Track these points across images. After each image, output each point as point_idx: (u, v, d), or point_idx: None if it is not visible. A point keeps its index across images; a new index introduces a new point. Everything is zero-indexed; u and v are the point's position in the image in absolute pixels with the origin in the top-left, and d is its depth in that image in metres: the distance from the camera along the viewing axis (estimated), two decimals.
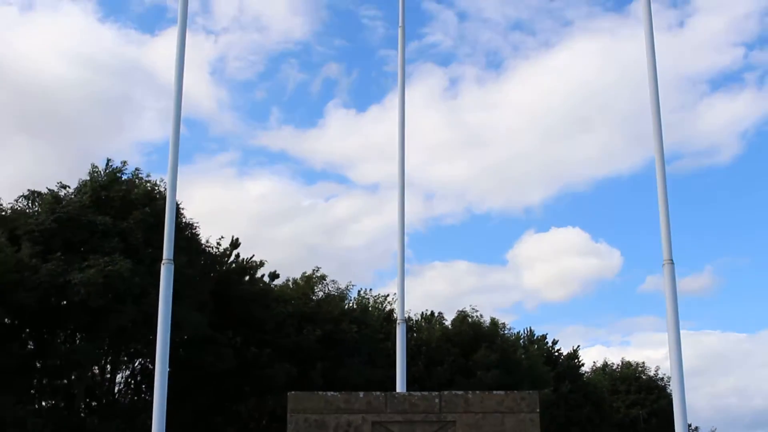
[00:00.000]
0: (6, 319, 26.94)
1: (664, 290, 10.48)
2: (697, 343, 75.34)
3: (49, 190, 29.27)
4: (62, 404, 29.26)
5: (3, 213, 28.62)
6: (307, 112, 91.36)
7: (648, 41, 11.91)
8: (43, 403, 29.26)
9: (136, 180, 30.32)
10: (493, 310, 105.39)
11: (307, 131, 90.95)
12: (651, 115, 11.61)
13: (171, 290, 10.91)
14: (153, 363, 29.46)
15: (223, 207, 62.82)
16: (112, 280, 26.05)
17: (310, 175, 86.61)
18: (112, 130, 71.09)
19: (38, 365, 28.50)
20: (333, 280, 36.12)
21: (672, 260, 10.59)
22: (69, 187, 29.59)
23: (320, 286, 35.62)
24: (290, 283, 35.42)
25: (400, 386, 13.60)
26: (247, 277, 32.85)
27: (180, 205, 29.11)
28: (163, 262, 11.18)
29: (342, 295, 36.27)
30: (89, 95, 68.79)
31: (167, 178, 12.15)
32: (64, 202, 28.54)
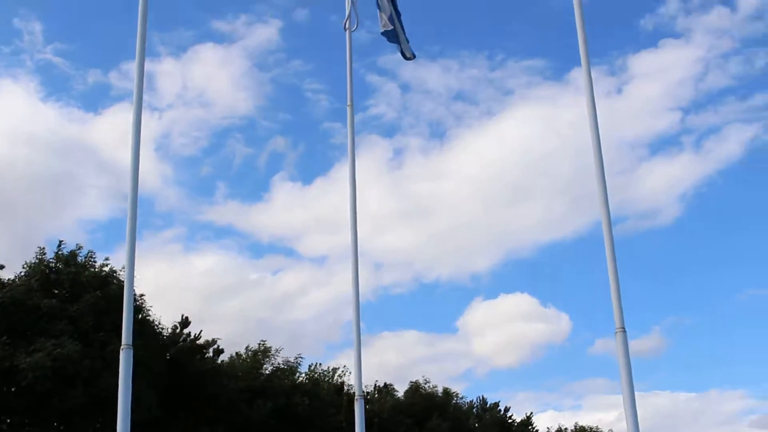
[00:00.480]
0: None
1: (617, 358, 10.39)
2: (648, 405, 76.20)
3: None
4: None
5: None
6: (252, 186, 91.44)
7: (590, 107, 11.95)
8: None
9: (87, 263, 29.77)
10: (444, 379, 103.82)
11: (254, 205, 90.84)
12: (597, 187, 11.58)
13: (130, 375, 10.94)
14: None
15: (170, 283, 62.01)
16: (61, 363, 25.64)
17: (257, 248, 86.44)
18: (55, 208, 70.17)
19: None
20: (278, 351, 35.75)
21: (624, 328, 10.52)
22: (3, 266, 28.81)
23: (268, 359, 35.30)
24: (238, 358, 35.01)
25: None
26: (198, 356, 32.39)
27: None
28: (122, 347, 11.16)
29: (292, 369, 36.05)
30: (30, 174, 67.71)
31: (125, 266, 12.21)
32: (7, 286, 27.90)
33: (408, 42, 17.04)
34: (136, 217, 12.22)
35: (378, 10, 16.96)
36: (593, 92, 12.04)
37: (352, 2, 16.75)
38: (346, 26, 16.74)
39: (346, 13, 16.76)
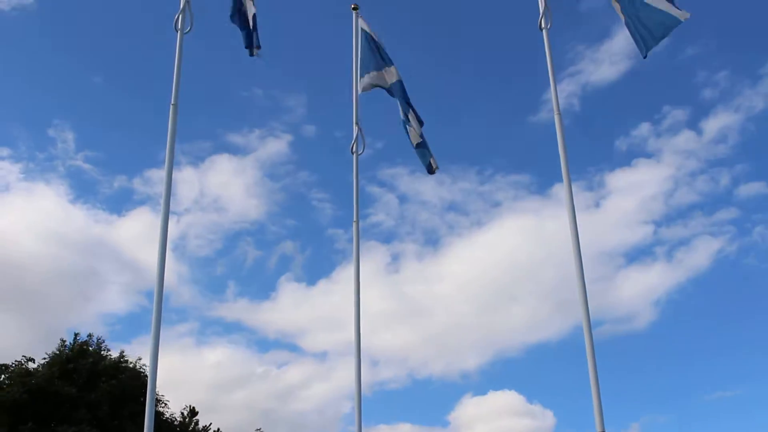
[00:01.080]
0: None
1: None
2: None
3: (17, 362, 30.48)
4: None
5: None
6: (261, 285, 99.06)
7: (571, 220, 12.40)
8: None
9: (103, 352, 31.74)
10: None
11: (262, 303, 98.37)
12: (578, 295, 11.81)
13: None
14: None
15: (182, 374, 67.13)
16: None
17: (263, 343, 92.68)
18: (78, 302, 76.78)
19: None
20: None
21: (604, 430, 10.59)
22: (34, 360, 30.81)
23: None
24: None
25: None
26: None
27: (145, 374, 30.73)
28: None
29: None
30: (57, 270, 74.78)
31: (149, 368, 12.16)
32: (34, 375, 29.70)
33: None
34: (159, 333, 11.94)
35: (407, 125, 16.98)
36: (574, 208, 12.62)
37: (360, 128, 16.88)
38: (353, 149, 16.76)
39: (353, 136, 16.89)
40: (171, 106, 12.79)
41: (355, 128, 16.66)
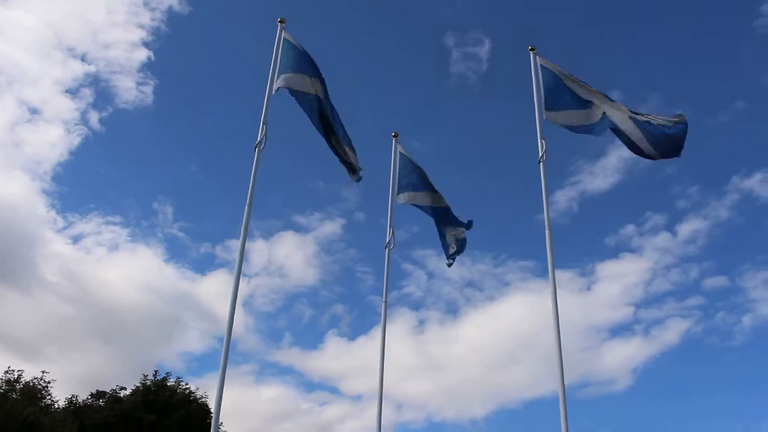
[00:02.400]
0: None
1: None
2: None
3: (111, 390, 35.67)
4: None
5: (78, 406, 34.60)
6: (311, 338, 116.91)
7: (553, 309, 13.01)
8: None
9: (178, 387, 36.71)
10: None
11: (310, 352, 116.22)
12: (556, 367, 12.41)
13: None
14: None
15: (242, 406, 77.69)
16: None
17: (309, 385, 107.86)
18: (165, 342, 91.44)
19: None
20: None
21: None
22: (126, 388, 36.01)
23: None
24: None
25: None
26: None
27: (208, 406, 35.81)
28: None
29: None
30: (151, 315, 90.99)
31: (215, 400, 12.38)
32: (122, 402, 34.72)
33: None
34: (223, 385, 12.19)
35: (446, 232, 17.69)
36: (556, 296, 13.29)
37: (392, 229, 17.35)
38: (387, 246, 17.27)
39: (387, 237, 17.45)
40: (246, 207, 13.30)
41: (389, 231, 17.21)
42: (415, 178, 17.90)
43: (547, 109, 15.14)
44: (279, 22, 15.07)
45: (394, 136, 18.46)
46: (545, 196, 14.24)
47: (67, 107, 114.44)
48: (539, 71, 15.58)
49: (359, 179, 16.06)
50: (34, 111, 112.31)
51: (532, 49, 16.04)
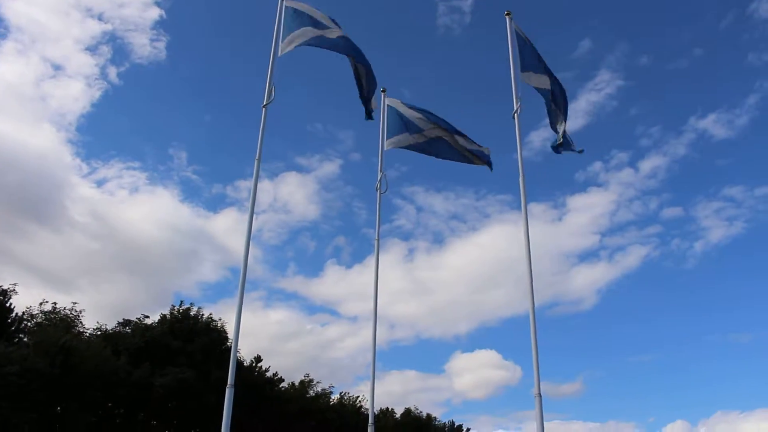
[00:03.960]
0: (109, 404, 34.51)
1: (535, 419, 10.78)
2: (568, 429, 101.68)
3: (137, 319, 37.54)
4: None
5: (109, 332, 36.46)
6: (312, 267, 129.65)
7: (525, 236, 13.39)
8: None
9: (199, 315, 38.59)
10: (431, 404, 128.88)
11: (312, 279, 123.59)
12: (526, 284, 12.79)
13: (231, 408, 11.39)
14: None
15: (253, 329, 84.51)
16: (182, 385, 34.12)
17: (311, 308, 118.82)
18: (183, 273, 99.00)
19: None
20: (318, 382, 45.02)
21: (540, 394, 10.89)
22: (149, 316, 37.90)
23: (311, 387, 44.20)
24: (292, 386, 43.75)
25: None
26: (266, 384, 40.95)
27: (227, 332, 37.77)
28: (227, 386, 11.51)
29: (326, 394, 44.91)
30: (169, 250, 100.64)
31: (232, 334, 13.29)
32: (150, 330, 36.57)
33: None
34: (240, 316, 12.52)
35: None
36: (528, 226, 13.63)
37: (384, 173, 17.38)
38: (377, 188, 17.29)
39: (378, 179, 17.38)
40: (255, 161, 13.82)
41: (379, 174, 17.32)
42: (401, 126, 18.27)
43: (522, 70, 15.96)
44: (382, 91, 16.70)
45: (382, 91, 18.79)
46: (519, 147, 14.97)
47: (87, 63, 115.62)
48: (514, 35, 16.56)
49: (370, 118, 16.83)
50: (57, 67, 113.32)
51: (507, 14, 16.63)
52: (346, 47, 15.97)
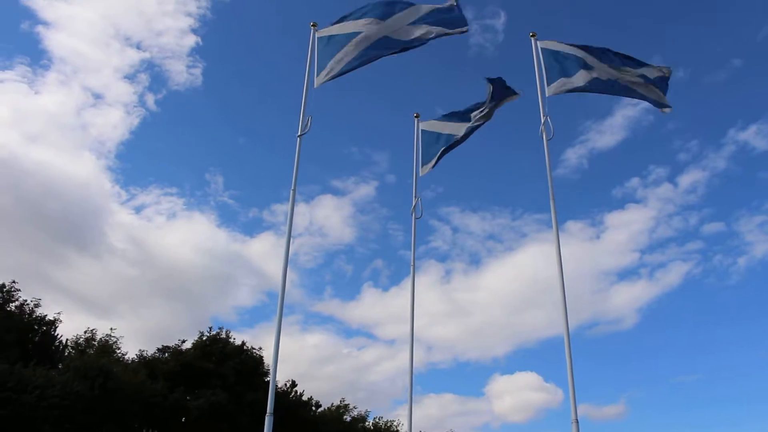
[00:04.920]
0: (145, 429, 34.40)
1: None
2: None
3: (175, 345, 37.74)
4: None
5: (147, 358, 36.66)
6: (349, 290, 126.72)
7: (557, 258, 12.89)
8: None
9: (231, 339, 38.65)
10: (469, 428, 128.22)
11: (349, 302, 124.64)
12: (560, 308, 12.29)
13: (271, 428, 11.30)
14: None
15: (290, 352, 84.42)
16: (215, 407, 34.16)
17: (348, 332, 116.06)
18: (220, 297, 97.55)
19: None
20: (355, 407, 44.63)
21: (578, 420, 10.58)
22: (186, 341, 38.02)
23: (348, 412, 43.80)
24: (329, 410, 43.34)
25: None
26: (302, 408, 40.67)
27: (263, 357, 37.65)
28: (267, 414, 11.39)
29: (362, 418, 44.43)
30: (207, 274, 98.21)
31: (271, 358, 12.47)
32: (185, 354, 36.70)
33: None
34: (279, 340, 12.42)
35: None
36: (560, 248, 13.16)
37: (419, 198, 17.46)
38: (413, 213, 17.40)
39: (413, 204, 17.55)
40: (291, 191, 13.76)
41: (414, 200, 17.46)
42: (435, 147, 18.06)
43: (549, 84, 15.53)
44: (312, 25, 15.70)
45: (415, 117, 18.91)
46: (549, 170, 14.50)
47: (126, 91, 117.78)
48: (540, 55, 16.28)
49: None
50: (97, 96, 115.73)
51: (533, 35, 16.34)
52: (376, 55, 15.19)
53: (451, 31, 15.21)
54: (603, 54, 16.03)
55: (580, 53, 15.91)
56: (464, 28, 15.40)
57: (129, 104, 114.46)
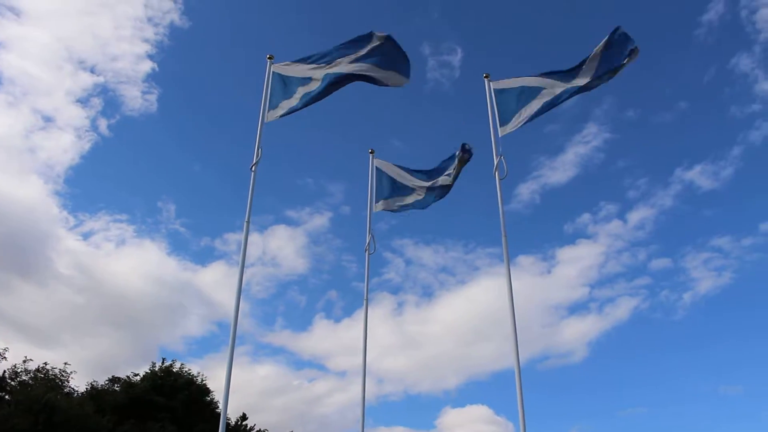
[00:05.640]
0: None
1: None
2: None
3: (126, 377, 36.66)
4: None
5: (97, 389, 35.40)
6: (300, 321, 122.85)
7: (508, 292, 12.67)
8: None
9: (181, 371, 37.75)
10: None
11: (300, 333, 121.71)
12: (511, 345, 12.02)
13: None
14: None
15: (239, 383, 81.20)
16: None
17: (299, 363, 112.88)
18: (168, 326, 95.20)
19: None
20: None
21: None
22: (138, 374, 36.99)
23: None
24: None
25: None
26: None
27: (209, 387, 36.88)
28: None
29: None
30: (156, 302, 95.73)
31: (222, 390, 12.08)
32: (135, 387, 35.66)
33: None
34: (231, 371, 12.08)
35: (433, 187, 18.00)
36: (511, 282, 12.92)
37: (372, 235, 17.53)
38: (366, 249, 17.45)
39: (366, 241, 17.51)
40: (245, 224, 13.51)
41: (368, 236, 17.40)
42: (389, 187, 18.34)
43: (501, 126, 15.65)
44: (268, 58, 15.63)
45: (370, 153, 19.08)
46: (501, 207, 14.40)
47: (78, 115, 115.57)
48: (493, 96, 16.50)
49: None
50: (47, 119, 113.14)
51: (486, 76, 16.46)
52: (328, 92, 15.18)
53: (386, 77, 14.94)
54: (555, 73, 15.76)
55: (534, 82, 15.86)
56: (403, 81, 15.08)
57: (80, 128, 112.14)
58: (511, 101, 16.36)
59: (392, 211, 18.51)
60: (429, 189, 18.22)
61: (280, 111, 15.01)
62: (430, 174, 18.32)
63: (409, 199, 18.39)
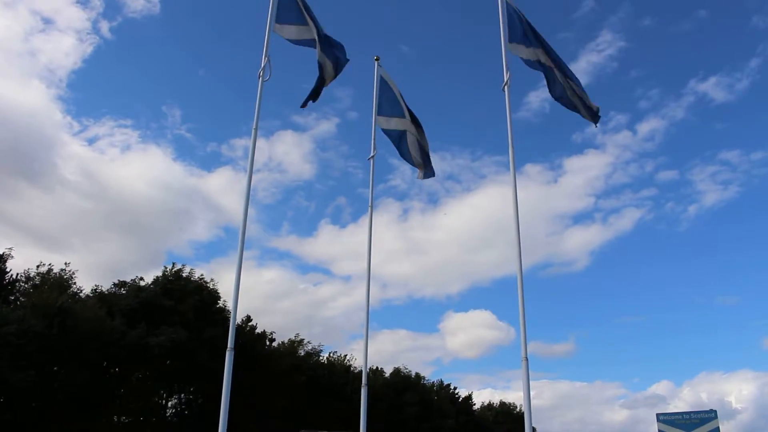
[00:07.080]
0: (104, 363, 33.80)
1: (522, 382, 10.14)
2: (555, 389, 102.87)
3: (132, 280, 36.82)
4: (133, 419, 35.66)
5: (104, 293, 35.71)
6: (306, 226, 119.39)
7: (513, 199, 12.29)
8: (123, 418, 35.75)
9: (191, 276, 37.83)
10: (421, 364, 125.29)
11: (305, 239, 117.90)
12: (514, 247, 11.73)
13: (231, 371, 10.68)
14: (195, 395, 36.58)
15: (245, 287, 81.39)
16: (175, 344, 33.53)
17: (304, 268, 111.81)
18: (176, 231, 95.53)
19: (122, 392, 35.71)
20: (309, 342, 44.57)
21: (527, 358, 10.30)
22: (144, 279, 37.16)
23: (301, 346, 43.78)
24: (282, 345, 43.31)
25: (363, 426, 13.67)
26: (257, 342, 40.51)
27: (218, 292, 37.07)
28: (228, 349, 10.79)
29: (317, 352, 44.57)
30: (162, 208, 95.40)
31: (232, 294, 11.92)
32: (144, 291, 35.84)
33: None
34: (240, 273, 11.88)
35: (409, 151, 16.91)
36: (516, 189, 12.40)
37: (375, 143, 16.70)
38: (371, 158, 16.61)
39: (371, 152, 16.67)
40: (253, 131, 13.11)
41: (372, 145, 16.68)
42: (390, 104, 17.30)
43: (510, 41, 14.81)
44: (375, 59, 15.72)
45: (376, 60, 17.82)
46: (509, 120, 13.59)
47: (79, 17, 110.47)
48: (505, 7, 15.64)
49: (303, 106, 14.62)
50: (47, 21, 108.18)
51: None
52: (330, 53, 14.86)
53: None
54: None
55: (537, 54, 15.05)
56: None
57: (82, 31, 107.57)
58: (522, 27, 15.75)
59: (384, 130, 17.32)
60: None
61: (284, 32, 14.15)
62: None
63: (399, 125, 17.46)
